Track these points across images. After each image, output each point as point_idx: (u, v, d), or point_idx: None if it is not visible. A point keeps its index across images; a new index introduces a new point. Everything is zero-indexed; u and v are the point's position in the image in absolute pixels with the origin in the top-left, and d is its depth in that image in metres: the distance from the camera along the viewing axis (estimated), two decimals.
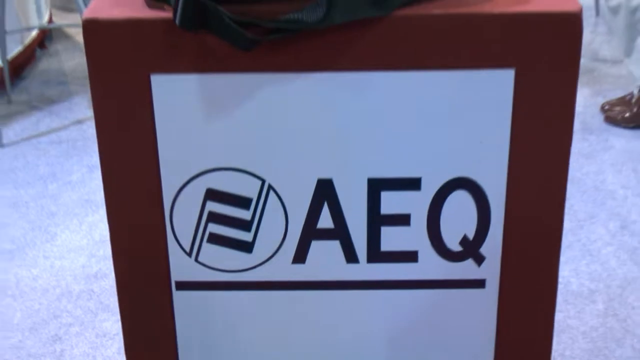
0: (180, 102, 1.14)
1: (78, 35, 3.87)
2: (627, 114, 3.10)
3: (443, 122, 1.15)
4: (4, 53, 3.37)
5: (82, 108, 3.32)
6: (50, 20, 4.04)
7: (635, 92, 3.10)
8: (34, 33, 3.79)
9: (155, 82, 1.14)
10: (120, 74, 1.14)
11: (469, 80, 1.13)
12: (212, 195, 1.20)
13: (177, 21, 1.07)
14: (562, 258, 1.27)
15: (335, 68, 1.12)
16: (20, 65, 3.66)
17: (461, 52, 1.12)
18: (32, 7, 3.81)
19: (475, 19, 1.10)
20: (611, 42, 3.65)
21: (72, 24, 3.82)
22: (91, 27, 1.12)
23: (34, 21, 3.81)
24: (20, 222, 2.67)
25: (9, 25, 3.35)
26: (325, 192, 1.19)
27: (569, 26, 1.11)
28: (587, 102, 3.23)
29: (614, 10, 3.03)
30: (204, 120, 1.16)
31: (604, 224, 2.56)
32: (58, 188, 2.84)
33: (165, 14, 1.10)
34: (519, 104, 1.15)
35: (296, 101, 1.14)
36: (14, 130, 3.20)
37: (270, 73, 1.12)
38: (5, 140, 3.12)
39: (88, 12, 1.12)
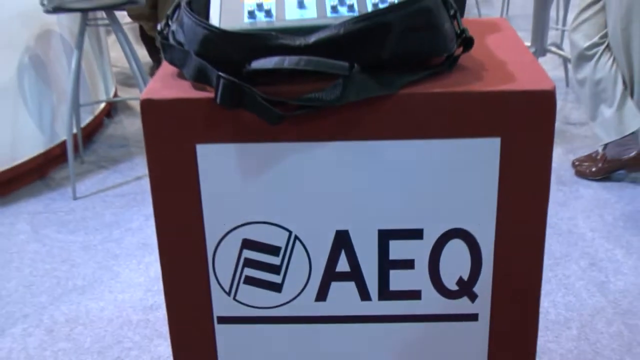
0: (221, 167, 1.14)
1: (138, 106, 3.89)
2: (594, 169, 3.08)
3: (441, 182, 1.14)
4: (79, 122, 3.39)
5: (141, 167, 3.33)
6: (115, 95, 4.08)
7: (600, 150, 3.08)
8: (102, 105, 3.82)
9: (200, 150, 1.13)
10: (171, 143, 1.13)
11: (463, 147, 1.12)
12: (247, 244, 1.18)
13: (217, 100, 1.06)
14: (542, 291, 1.25)
15: (350, 138, 1.11)
16: (91, 132, 3.69)
17: (456, 124, 1.11)
18: (100, 84, 3.84)
19: (467, 96, 1.09)
20: (579, 108, 3.64)
21: (133, 98, 3.85)
22: (148, 106, 1.12)
23: (102, 95, 3.84)
24: (90, 262, 2.66)
25: (82, 99, 3.38)
26: (342, 241, 1.18)
27: (544, 101, 1.10)
28: (560, 158, 3.21)
29: (581, 82, 3.01)
30: (240, 181, 1.15)
31: (576, 261, 2.53)
32: (121, 234, 2.84)
33: (208, 94, 1.10)
34: (505, 166, 1.13)
35: (317, 165, 1.13)
36: (86, 185, 3.21)
37: (295, 142, 1.12)
38: (78, 194, 3.13)
39: (145, 94, 1.12)
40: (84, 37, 3.07)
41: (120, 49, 3.14)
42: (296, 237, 1.18)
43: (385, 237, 1.17)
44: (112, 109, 4.01)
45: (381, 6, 1.13)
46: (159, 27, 1.20)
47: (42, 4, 2.96)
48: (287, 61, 1.05)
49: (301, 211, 1.16)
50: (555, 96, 1.10)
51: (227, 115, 1.10)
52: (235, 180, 1.15)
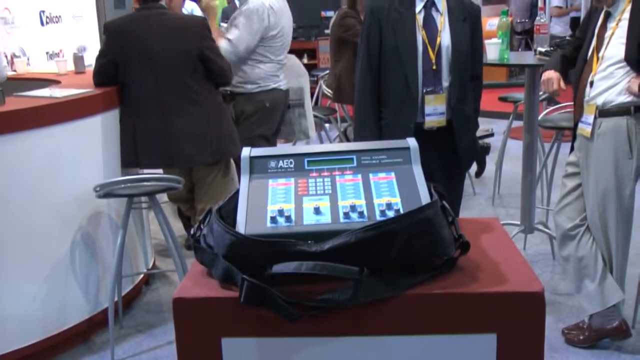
0: (244, 358, 1.10)
1: (173, 275, 3.87)
2: (582, 337, 2.99)
3: None
4: (120, 291, 3.37)
5: (173, 332, 3.25)
6: (153, 264, 4.07)
7: (586, 320, 3.00)
8: (142, 275, 3.81)
9: (225, 343, 1.10)
10: (199, 336, 1.11)
11: (462, 341, 1.09)
12: None
13: (242, 300, 1.05)
14: None
15: (359, 333, 1.09)
16: (130, 299, 3.65)
17: (456, 321, 1.08)
18: (141, 255, 3.84)
19: (466, 297, 1.07)
20: (565, 279, 3.58)
21: (169, 270, 3.84)
22: (179, 303, 1.11)
23: (142, 266, 3.83)
24: None
25: (124, 270, 3.37)
26: None
27: (535, 301, 1.08)
28: (550, 327, 3.12)
29: (566, 259, 2.99)
30: None
31: None
32: None
33: (233, 293, 1.08)
34: (501, 358, 1.10)
35: (330, 358, 1.10)
36: (123, 349, 3.14)
37: (310, 338, 1.09)
38: (116, 357, 3.05)
39: (177, 292, 1.11)
40: (129, 217, 3.11)
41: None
42: None
43: None
44: (149, 277, 3.99)
45: (388, 213, 1.14)
46: (191, 231, 1.21)
47: (95, 190, 3.02)
48: (305, 266, 1.04)
49: None
50: (544, 297, 1.08)
51: (249, 312, 1.08)
52: None
